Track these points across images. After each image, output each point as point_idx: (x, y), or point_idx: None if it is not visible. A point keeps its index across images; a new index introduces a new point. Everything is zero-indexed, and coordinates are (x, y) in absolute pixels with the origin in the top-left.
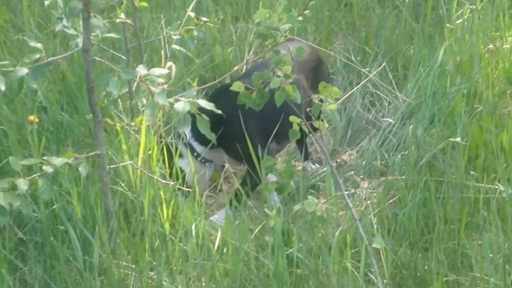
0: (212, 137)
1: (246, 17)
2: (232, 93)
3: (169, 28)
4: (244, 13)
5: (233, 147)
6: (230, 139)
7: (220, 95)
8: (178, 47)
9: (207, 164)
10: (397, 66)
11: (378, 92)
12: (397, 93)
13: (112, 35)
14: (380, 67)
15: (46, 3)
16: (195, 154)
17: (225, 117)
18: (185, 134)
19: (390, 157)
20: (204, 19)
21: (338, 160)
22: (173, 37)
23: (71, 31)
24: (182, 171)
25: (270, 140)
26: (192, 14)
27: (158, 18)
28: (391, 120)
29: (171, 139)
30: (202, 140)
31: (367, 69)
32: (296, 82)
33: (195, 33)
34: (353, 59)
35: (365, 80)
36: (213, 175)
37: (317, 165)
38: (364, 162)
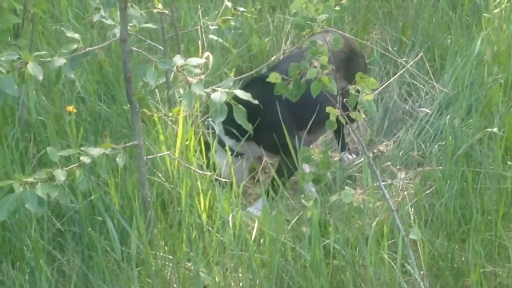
0: (249, 127)
1: (283, 7)
2: (266, 83)
3: (206, 18)
4: (281, 3)
5: (269, 138)
6: (265, 130)
7: (254, 85)
8: (215, 37)
9: (239, 157)
10: (434, 56)
11: (415, 82)
12: (434, 83)
13: (149, 25)
14: (417, 57)
15: None
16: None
17: (261, 108)
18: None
19: (427, 148)
20: (241, 9)
21: (375, 151)
22: (210, 27)
23: (109, 21)
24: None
25: (306, 130)
26: (230, 4)
27: (195, 8)
28: (428, 111)
29: (207, 130)
30: (233, 134)
31: (404, 59)
32: (327, 72)
33: (232, 23)
34: (390, 49)
35: (402, 70)
36: (253, 164)
37: (354, 155)
38: (401, 153)
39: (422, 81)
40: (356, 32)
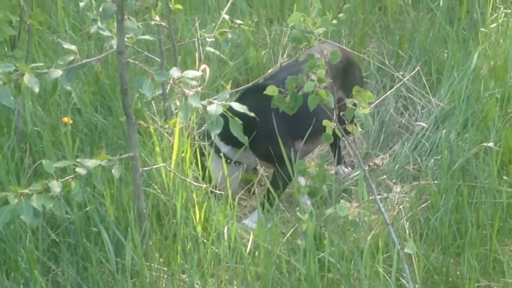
0: (245, 140)
1: (280, 19)
2: (261, 94)
3: (203, 30)
4: (278, 16)
5: (264, 147)
6: (261, 140)
7: (249, 96)
8: (212, 50)
9: (236, 164)
10: (431, 70)
11: (411, 96)
12: (431, 97)
13: (147, 37)
14: (414, 71)
15: (82, 4)
16: (222, 155)
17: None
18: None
19: (423, 162)
20: (238, 21)
21: (371, 164)
22: (207, 39)
23: (106, 33)
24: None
25: (302, 141)
26: (227, 17)
27: (192, 20)
28: (424, 125)
29: (200, 139)
30: (228, 140)
31: (401, 73)
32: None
33: (230, 36)
34: (387, 62)
35: (399, 84)
36: (246, 176)
37: (349, 168)
38: (397, 166)
39: (418, 95)
40: (353, 46)
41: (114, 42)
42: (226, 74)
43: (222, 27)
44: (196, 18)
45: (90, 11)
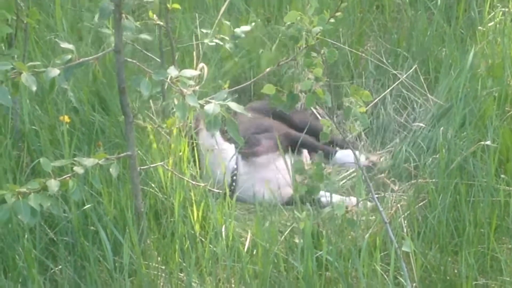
0: (240, 140)
1: (278, 18)
2: None
3: (202, 30)
4: (276, 15)
5: None
6: None
7: None
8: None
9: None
10: (429, 69)
11: (409, 94)
12: (428, 95)
13: (145, 36)
14: (411, 70)
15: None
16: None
17: None
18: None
19: (420, 160)
20: (238, 30)
21: (370, 161)
22: (209, 43)
23: (105, 31)
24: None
25: None
26: (228, 23)
27: (190, 18)
28: (422, 125)
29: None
30: None
31: (399, 71)
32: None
33: (228, 46)
34: (385, 61)
35: (397, 83)
36: None
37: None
38: (394, 165)
39: (416, 93)
40: (351, 44)
41: (112, 40)
42: (225, 73)
43: (221, 28)
44: (196, 16)
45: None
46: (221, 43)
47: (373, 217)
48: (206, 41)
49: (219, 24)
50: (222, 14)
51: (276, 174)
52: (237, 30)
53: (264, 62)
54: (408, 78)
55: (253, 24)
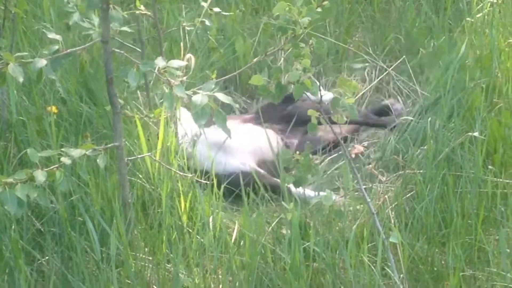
0: (228, 132)
1: (266, 9)
2: None
3: (182, 18)
4: (264, 6)
5: None
6: None
7: None
8: (198, 40)
9: None
10: (418, 60)
11: (397, 85)
12: (416, 87)
13: (125, 29)
14: (399, 61)
15: None
16: None
17: None
18: None
19: (408, 151)
20: (216, 9)
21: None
22: (187, 28)
23: (85, 24)
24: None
25: None
26: (205, 5)
27: (178, 8)
28: (410, 118)
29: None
30: None
31: (387, 62)
32: None
33: (207, 23)
34: (372, 53)
35: (384, 74)
36: None
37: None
38: (382, 156)
39: (404, 85)
40: (339, 35)
41: (94, 33)
42: (213, 63)
43: (205, 16)
44: (183, 6)
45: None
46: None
47: (361, 205)
48: (187, 24)
49: (206, 14)
50: (210, 4)
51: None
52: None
53: (240, 51)
54: (397, 69)
55: (239, 11)
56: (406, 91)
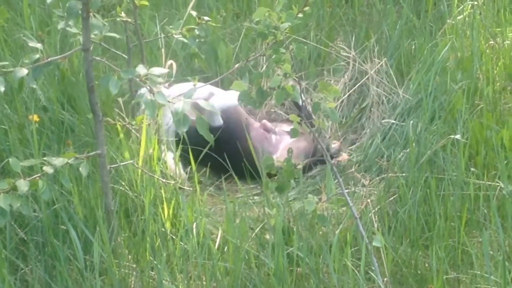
0: (210, 139)
1: (248, 14)
2: None
3: (170, 26)
4: (245, 10)
5: None
6: None
7: None
8: (179, 46)
9: None
10: (399, 63)
11: (379, 88)
12: (398, 90)
13: (113, 34)
14: (380, 64)
15: (48, 1)
16: None
17: None
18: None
19: (391, 154)
20: (206, 18)
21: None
22: (174, 36)
23: (73, 30)
24: None
25: None
26: (194, 13)
27: (159, 15)
28: (392, 121)
29: None
30: None
31: (368, 65)
32: None
33: (197, 32)
34: (352, 55)
35: (366, 77)
36: None
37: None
38: (365, 159)
39: (386, 87)
40: (320, 39)
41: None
42: (195, 69)
43: (189, 23)
44: (163, 14)
45: (56, 8)
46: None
47: (344, 209)
48: (173, 32)
49: (188, 19)
50: (191, 10)
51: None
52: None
53: (221, 56)
54: (378, 72)
55: (220, 17)
56: (387, 93)
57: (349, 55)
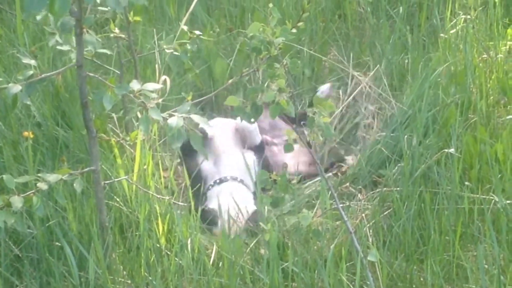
0: (205, 153)
1: (241, 29)
2: None
3: (162, 41)
4: (238, 25)
5: None
6: None
7: None
8: (171, 61)
9: None
10: (392, 77)
11: (372, 103)
12: (392, 103)
13: (105, 51)
14: (371, 74)
15: (38, 18)
16: None
17: None
18: None
19: (385, 169)
20: (197, 32)
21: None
22: (166, 51)
23: (64, 47)
24: None
25: None
26: (186, 28)
27: (152, 31)
28: (384, 133)
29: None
30: None
31: (362, 79)
32: None
33: (189, 47)
34: (347, 70)
35: (357, 90)
36: None
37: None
38: (359, 173)
39: (380, 102)
40: (314, 54)
41: (73, 56)
42: (188, 84)
43: (182, 38)
44: (156, 29)
45: (47, 25)
46: (178, 53)
47: (338, 223)
48: (165, 47)
49: (181, 34)
50: (184, 25)
51: None
52: (196, 32)
53: (218, 71)
54: (372, 86)
55: (213, 32)
56: (381, 107)
57: (344, 69)
